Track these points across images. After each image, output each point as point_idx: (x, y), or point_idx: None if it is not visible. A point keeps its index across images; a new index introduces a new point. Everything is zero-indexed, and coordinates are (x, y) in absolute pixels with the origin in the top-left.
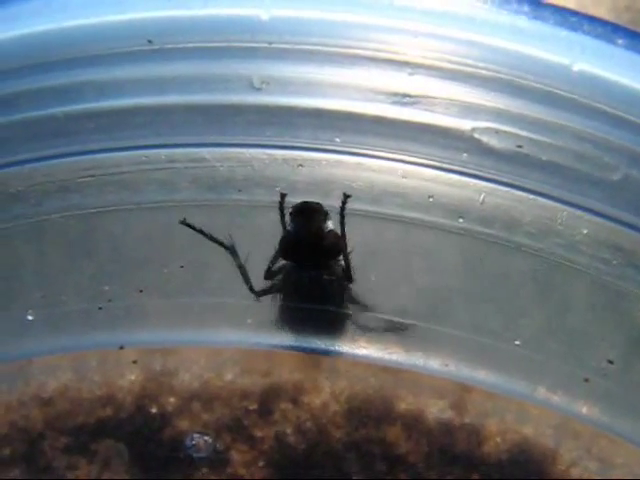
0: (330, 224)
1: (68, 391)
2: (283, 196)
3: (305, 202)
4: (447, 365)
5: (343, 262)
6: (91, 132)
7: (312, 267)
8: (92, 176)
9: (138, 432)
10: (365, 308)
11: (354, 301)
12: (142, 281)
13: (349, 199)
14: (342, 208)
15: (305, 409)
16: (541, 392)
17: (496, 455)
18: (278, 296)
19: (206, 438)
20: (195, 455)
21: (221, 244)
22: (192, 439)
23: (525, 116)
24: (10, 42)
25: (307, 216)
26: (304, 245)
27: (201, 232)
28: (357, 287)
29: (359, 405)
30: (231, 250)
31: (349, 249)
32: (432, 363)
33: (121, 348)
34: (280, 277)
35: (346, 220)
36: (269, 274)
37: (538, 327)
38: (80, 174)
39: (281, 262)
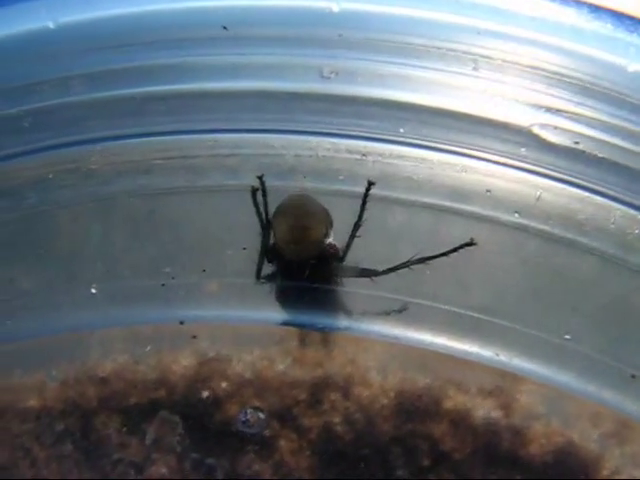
0: (331, 236)
1: (123, 371)
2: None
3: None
4: (498, 355)
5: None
6: (163, 114)
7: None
8: (162, 158)
9: (191, 408)
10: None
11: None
12: (204, 262)
13: (372, 187)
14: (365, 195)
15: (354, 400)
16: (589, 388)
17: (540, 457)
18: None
19: (259, 414)
20: (247, 431)
21: (261, 221)
22: (246, 414)
23: (582, 114)
24: (90, 24)
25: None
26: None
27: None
28: (412, 276)
29: (408, 399)
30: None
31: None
32: (483, 353)
33: (181, 323)
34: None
35: (403, 210)
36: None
37: (589, 323)
38: (150, 155)
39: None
